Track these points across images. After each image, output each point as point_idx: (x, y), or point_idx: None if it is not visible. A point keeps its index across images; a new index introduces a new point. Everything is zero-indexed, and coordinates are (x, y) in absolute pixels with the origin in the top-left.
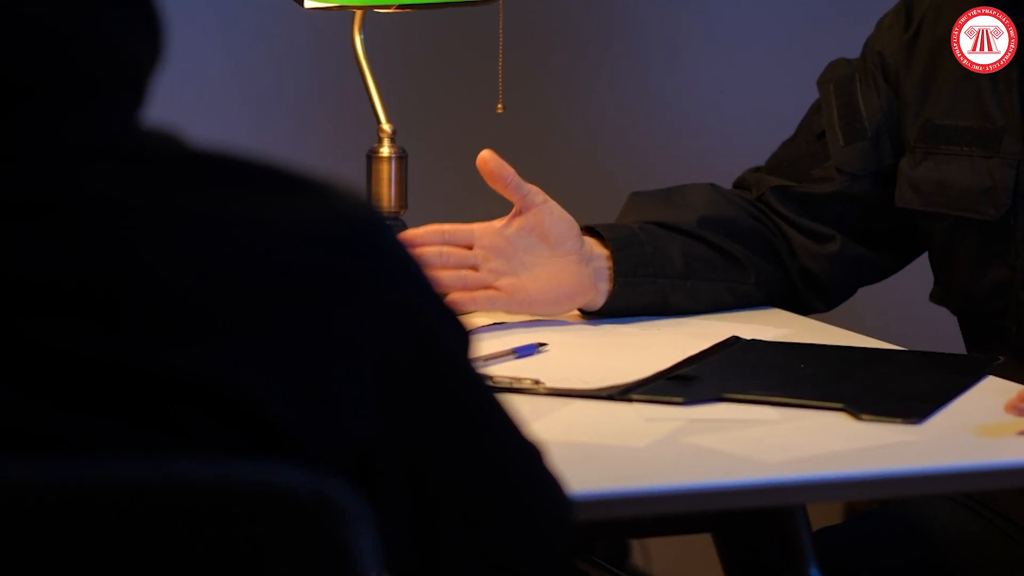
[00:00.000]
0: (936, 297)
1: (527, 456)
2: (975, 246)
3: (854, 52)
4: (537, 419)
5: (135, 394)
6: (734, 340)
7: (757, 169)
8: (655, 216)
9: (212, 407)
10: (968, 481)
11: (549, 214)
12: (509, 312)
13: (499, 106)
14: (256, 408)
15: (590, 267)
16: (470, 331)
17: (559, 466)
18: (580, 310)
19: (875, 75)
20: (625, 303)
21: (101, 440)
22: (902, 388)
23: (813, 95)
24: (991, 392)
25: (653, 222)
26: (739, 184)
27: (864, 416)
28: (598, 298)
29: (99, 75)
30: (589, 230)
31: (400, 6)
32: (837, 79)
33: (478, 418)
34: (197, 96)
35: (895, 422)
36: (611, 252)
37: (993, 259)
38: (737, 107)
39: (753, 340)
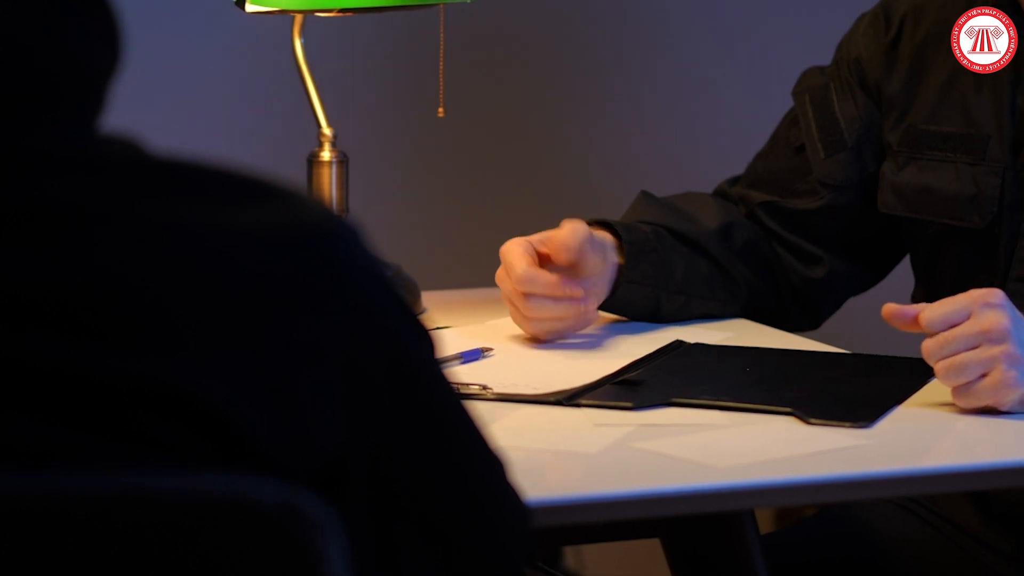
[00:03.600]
0: (919, 299)
1: (491, 468)
2: (961, 254)
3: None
4: (486, 425)
5: (102, 406)
6: (678, 344)
7: (734, 181)
8: (667, 221)
9: (179, 418)
10: (917, 485)
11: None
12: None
13: (440, 110)
14: (224, 418)
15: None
16: (434, 336)
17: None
18: None
19: (851, 83)
20: (622, 305)
21: (69, 453)
22: (850, 392)
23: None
24: (939, 395)
25: (664, 226)
26: (720, 196)
27: (813, 420)
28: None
29: (62, 84)
30: (603, 224)
31: (341, 10)
32: (812, 89)
33: (444, 427)
34: (135, 99)
35: (844, 426)
36: (624, 259)
37: (979, 267)
38: (690, 111)
39: (697, 344)
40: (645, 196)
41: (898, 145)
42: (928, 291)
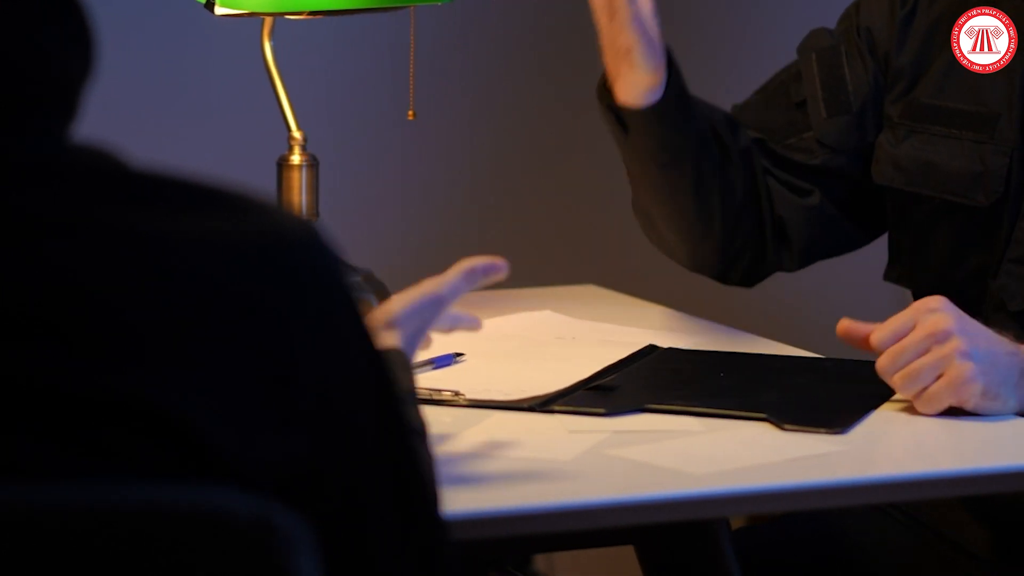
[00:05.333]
0: (894, 276)
1: (436, 496)
2: (958, 231)
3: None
4: (459, 431)
5: (64, 417)
6: (651, 348)
7: None
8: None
9: (144, 429)
10: (893, 492)
11: None
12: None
13: (410, 112)
14: (189, 430)
15: None
16: (394, 358)
17: (485, 481)
18: (617, 115)
19: (862, 50)
20: (680, 94)
21: (32, 465)
22: (824, 398)
23: None
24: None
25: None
26: None
27: (788, 426)
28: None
29: (34, 92)
30: None
31: (311, 12)
32: (819, 49)
33: (399, 446)
34: (102, 102)
35: (819, 432)
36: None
37: (977, 246)
38: None
39: (670, 348)
40: None
41: (899, 117)
42: (911, 267)
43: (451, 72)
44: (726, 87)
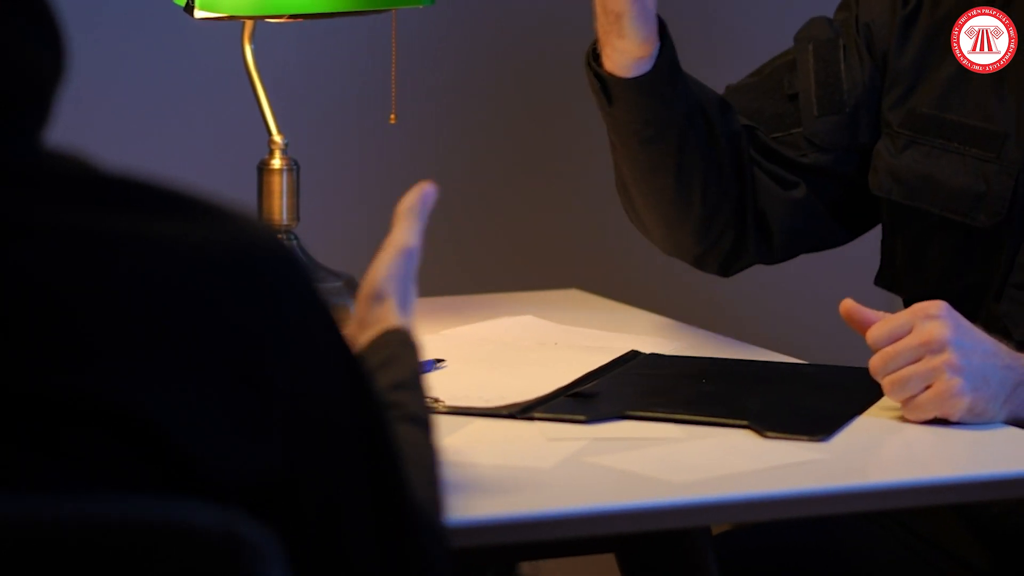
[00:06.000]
0: (886, 282)
1: (420, 506)
2: (956, 248)
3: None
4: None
5: (32, 421)
6: (633, 355)
7: None
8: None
9: (113, 435)
10: (876, 500)
11: None
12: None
13: (392, 116)
14: (159, 437)
15: None
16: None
17: (464, 488)
18: (603, 83)
19: (860, 46)
20: (670, 69)
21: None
22: (807, 404)
23: None
24: (897, 406)
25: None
26: None
27: (770, 434)
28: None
29: (5, 94)
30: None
31: (291, 16)
32: (817, 41)
33: (380, 458)
34: (81, 107)
35: (801, 440)
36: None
37: (974, 264)
38: None
39: (652, 354)
40: None
41: (899, 126)
42: (904, 277)
43: (433, 75)
44: (719, 69)
